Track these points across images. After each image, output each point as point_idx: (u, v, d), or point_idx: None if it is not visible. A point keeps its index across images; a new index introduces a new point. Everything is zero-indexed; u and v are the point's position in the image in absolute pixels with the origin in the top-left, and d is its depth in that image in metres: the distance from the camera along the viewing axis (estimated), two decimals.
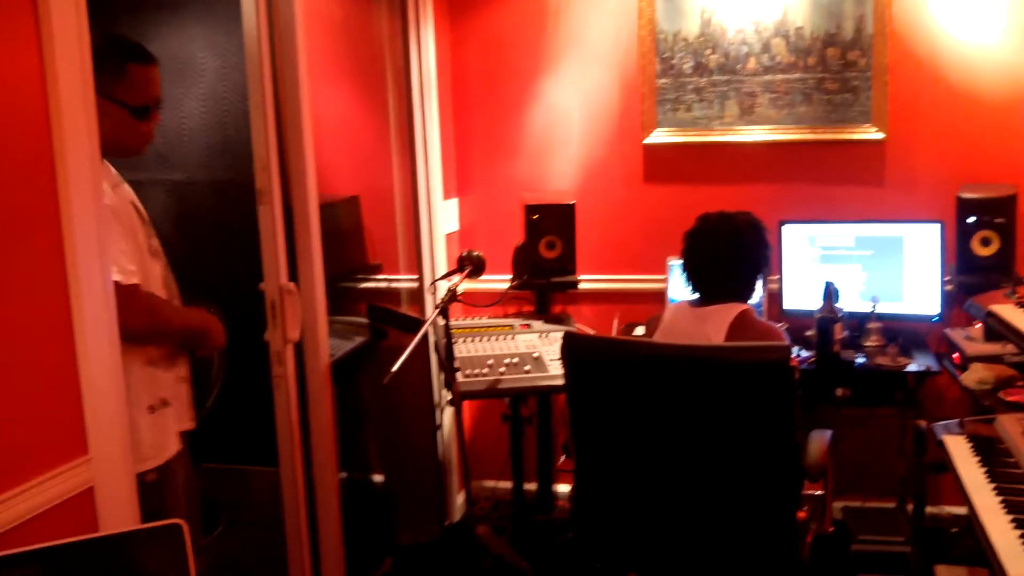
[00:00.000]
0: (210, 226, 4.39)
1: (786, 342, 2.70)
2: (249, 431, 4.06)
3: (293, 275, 2.95)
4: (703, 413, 2.55)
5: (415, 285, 4.09)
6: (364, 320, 3.52)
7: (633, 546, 2.75)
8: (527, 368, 3.50)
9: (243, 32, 2.81)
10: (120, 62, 2.30)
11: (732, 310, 2.84)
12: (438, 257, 4.10)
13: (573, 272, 3.97)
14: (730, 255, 2.91)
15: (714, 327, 2.81)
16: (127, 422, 2.15)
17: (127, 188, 2.47)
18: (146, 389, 2.38)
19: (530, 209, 3.89)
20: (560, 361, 2.75)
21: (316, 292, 3.02)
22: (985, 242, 3.63)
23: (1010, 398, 3.17)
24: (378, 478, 3.82)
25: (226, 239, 4.28)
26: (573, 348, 2.68)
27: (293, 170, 2.98)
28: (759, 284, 3.01)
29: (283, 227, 2.89)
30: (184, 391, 2.56)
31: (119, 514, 2.10)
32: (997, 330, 2.81)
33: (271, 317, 2.88)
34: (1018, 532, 2.28)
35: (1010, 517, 2.36)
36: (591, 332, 4.05)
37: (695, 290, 2.97)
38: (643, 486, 2.66)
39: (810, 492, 2.70)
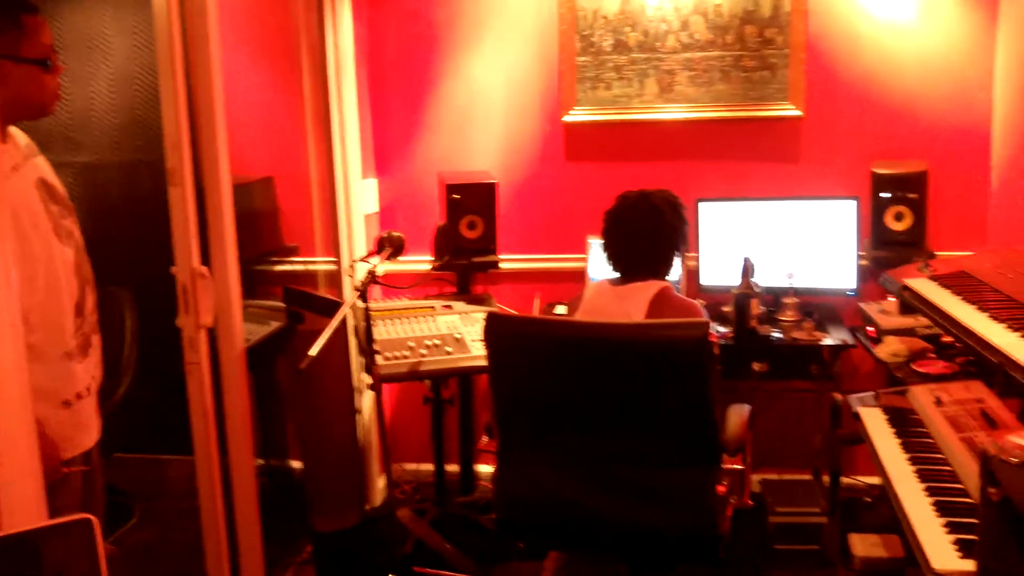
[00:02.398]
0: (121, 209, 4.28)
1: (705, 318, 2.71)
2: (164, 419, 3.97)
3: (206, 258, 2.88)
4: (624, 390, 2.55)
5: (333, 267, 4.02)
6: (280, 304, 3.45)
7: (556, 524, 2.75)
8: (449, 349, 3.47)
9: (152, 8, 2.71)
10: (13, 17, 2.21)
11: (652, 288, 2.85)
12: (356, 238, 4.03)
13: (494, 252, 3.94)
14: (649, 233, 2.92)
15: (634, 305, 2.82)
16: (33, 419, 2.06)
17: (36, 163, 2.36)
18: (61, 383, 2.29)
19: (451, 189, 3.84)
20: (482, 342, 2.73)
21: (229, 276, 2.94)
22: (898, 217, 3.70)
23: (923, 369, 3.24)
24: (297, 464, 3.76)
25: (137, 222, 4.19)
26: (496, 328, 2.66)
27: (205, 150, 2.89)
28: (677, 261, 3.02)
29: (195, 209, 2.80)
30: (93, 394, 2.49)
31: (25, 512, 2.01)
32: (911, 303, 2.87)
33: (183, 302, 2.81)
34: (931, 500, 2.33)
35: (924, 486, 2.42)
36: (513, 312, 4.03)
37: (615, 268, 2.97)
38: (565, 464, 2.66)
39: (730, 466, 2.72)
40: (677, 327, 2.54)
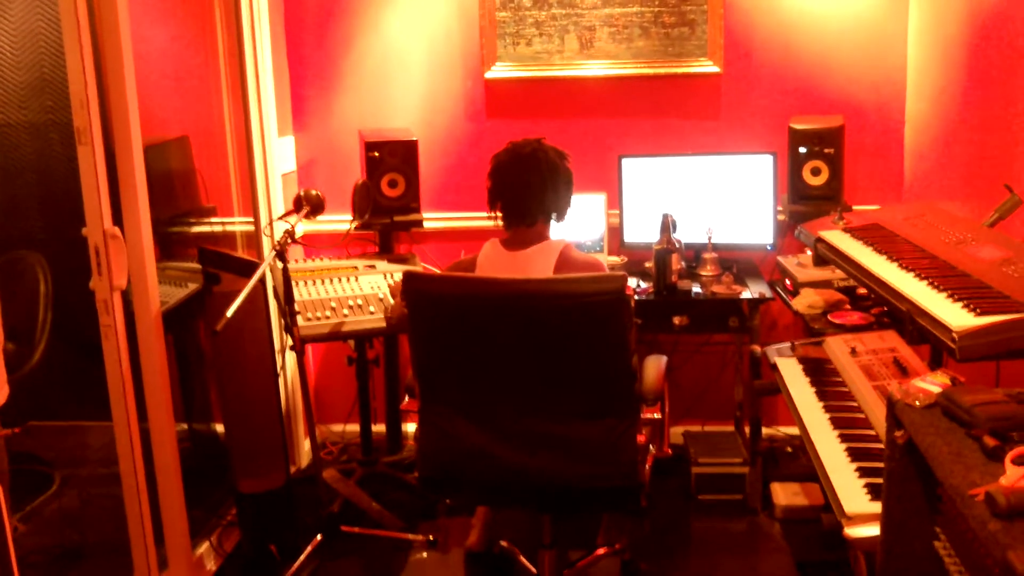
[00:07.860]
0: (32, 171, 4.16)
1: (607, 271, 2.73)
2: (83, 385, 3.89)
3: (118, 220, 2.81)
4: (545, 343, 2.55)
5: (251, 228, 3.96)
6: (197, 266, 3.38)
7: (477, 480, 2.75)
8: (372, 309, 3.45)
9: None
10: None
11: (552, 248, 2.84)
12: (274, 197, 3.96)
13: (417, 211, 3.90)
14: (549, 175, 2.89)
15: (540, 268, 2.80)
16: None
17: None
18: None
19: (370, 146, 3.80)
20: None
21: (143, 237, 2.88)
22: (815, 172, 3.75)
23: (839, 320, 3.31)
24: (221, 428, 3.72)
25: (50, 184, 4.08)
26: (413, 285, 2.64)
27: (114, 108, 2.82)
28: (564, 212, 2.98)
29: (105, 169, 2.73)
30: None
31: None
32: (825, 255, 2.92)
33: (95, 264, 2.74)
34: (844, 446, 2.40)
35: (837, 432, 2.48)
36: (436, 271, 4.02)
37: (509, 210, 2.92)
38: (485, 419, 2.66)
39: (648, 416, 2.76)
40: (596, 280, 2.54)
